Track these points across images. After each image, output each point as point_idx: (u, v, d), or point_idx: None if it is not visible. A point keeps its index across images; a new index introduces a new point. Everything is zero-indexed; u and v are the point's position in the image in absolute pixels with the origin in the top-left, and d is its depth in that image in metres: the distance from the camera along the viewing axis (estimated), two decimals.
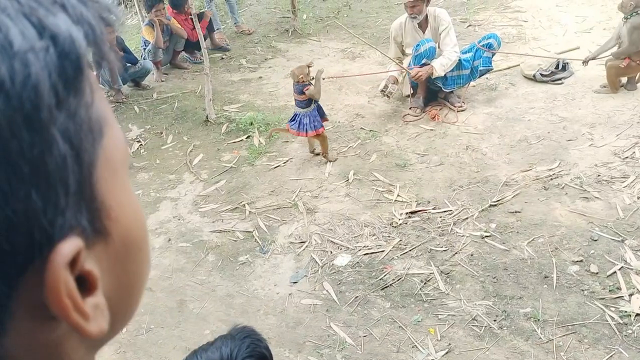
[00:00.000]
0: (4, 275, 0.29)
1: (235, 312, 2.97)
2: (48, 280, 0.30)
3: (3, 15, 0.29)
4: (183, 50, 6.21)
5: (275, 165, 4.13)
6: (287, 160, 4.18)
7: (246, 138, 4.57)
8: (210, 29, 6.25)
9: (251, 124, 4.67)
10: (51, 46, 0.30)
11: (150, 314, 3.00)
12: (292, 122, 3.95)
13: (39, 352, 0.33)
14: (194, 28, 5.25)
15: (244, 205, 3.76)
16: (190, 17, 5.44)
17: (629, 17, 4.08)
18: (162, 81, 5.82)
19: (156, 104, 5.40)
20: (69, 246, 0.31)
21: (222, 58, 6.19)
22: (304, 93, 3.84)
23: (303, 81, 3.82)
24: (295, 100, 3.94)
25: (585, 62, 4.44)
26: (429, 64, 4.34)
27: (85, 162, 0.32)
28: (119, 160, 0.36)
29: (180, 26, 5.88)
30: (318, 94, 3.90)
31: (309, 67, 3.89)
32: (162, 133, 4.84)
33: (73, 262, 0.31)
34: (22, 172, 0.28)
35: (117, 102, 5.38)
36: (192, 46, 6.16)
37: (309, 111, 3.88)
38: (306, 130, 3.88)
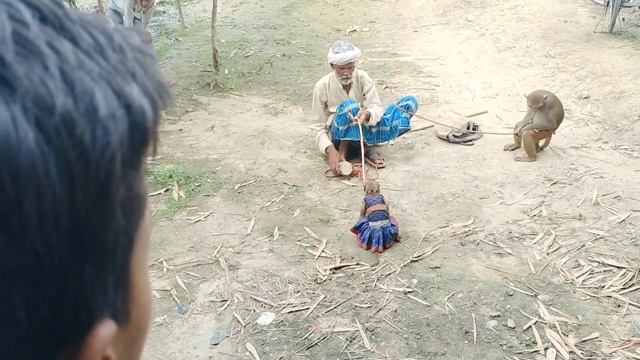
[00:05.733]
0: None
1: None
2: None
3: (88, 77, 0.27)
4: None
5: (196, 220, 4.01)
6: (208, 215, 4.07)
7: (165, 191, 4.41)
8: None
9: (170, 176, 4.53)
10: (125, 116, 0.28)
11: None
12: (375, 241, 3.54)
13: None
14: None
15: (161, 262, 3.58)
16: None
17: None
18: None
19: None
20: (106, 330, 0.29)
21: (173, 93, 6.03)
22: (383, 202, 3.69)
23: (378, 191, 3.76)
24: (374, 213, 3.58)
25: (518, 136, 4.72)
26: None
27: (130, 237, 0.31)
28: (148, 234, 0.35)
29: None
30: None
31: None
32: None
33: None
34: (82, 243, 0.26)
35: None
36: None
37: (390, 220, 3.63)
38: (391, 239, 3.61)
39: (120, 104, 0.28)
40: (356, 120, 4.43)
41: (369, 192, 3.74)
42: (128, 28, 0.36)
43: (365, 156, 4.73)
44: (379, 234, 3.54)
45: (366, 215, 3.64)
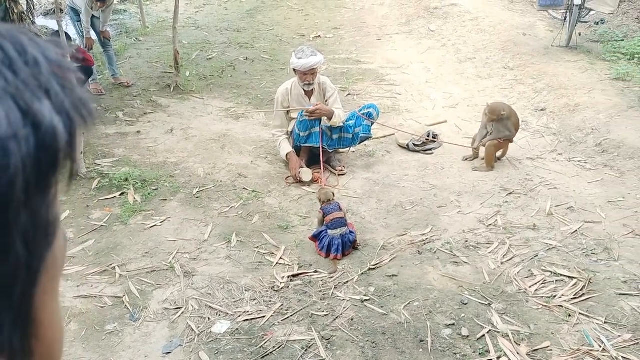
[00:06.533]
0: None
1: None
2: None
3: None
4: None
5: (152, 225, 3.91)
6: (164, 220, 3.98)
7: (120, 195, 4.30)
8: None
9: (126, 180, 4.42)
10: (32, 135, 0.26)
11: None
12: (334, 249, 3.53)
13: None
14: None
15: (114, 268, 3.48)
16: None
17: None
18: None
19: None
20: None
21: (97, 109, 5.88)
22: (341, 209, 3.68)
23: (333, 199, 3.77)
24: (333, 222, 3.57)
25: (475, 150, 4.82)
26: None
27: (33, 270, 0.28)
28: (59, 264, 0.32)
29: None
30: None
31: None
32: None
33: None
34: None
35: None
36: None
37: (349, 227, 3.63)
38: (350, 247, 3.61)
39: (26, 123, 0.26)
40: (309, 111, 4.42)
41: (325, 201, 3.73)
42: (53, 40, 0.33)
43: (326, 163, 4.73)
44: (338, 241, 3.52)
45: (325, 223, 3.63)
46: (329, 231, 3.56)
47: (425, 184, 4.52)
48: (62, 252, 0.33)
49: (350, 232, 3.60)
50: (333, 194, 3.84)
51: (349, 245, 3.58)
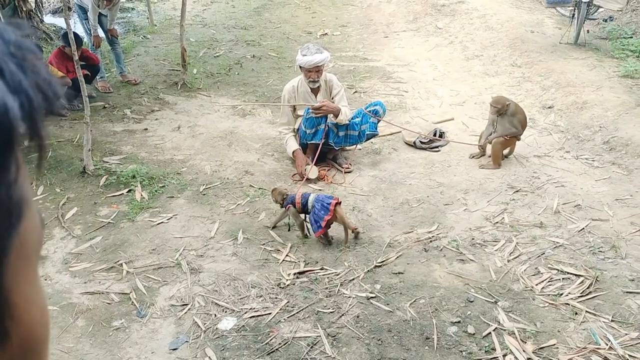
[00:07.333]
0: None
1: None
2: None
3: None
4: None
5: (158, 222, 3.93)
6: (171, 217, 4.00)
7: (127, 192, 4.32)
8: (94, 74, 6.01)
9: (133, 177, 4.44)
10: None
11: None
12: (328, 201, 3.60)
13: None
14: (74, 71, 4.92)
15: (121, 265, 3.50)
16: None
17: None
18: None
19: (26, 152, 4.97)
20: None
21: (105, 107, 5.91)
22: None
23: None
24: (302, 197, 3.71)
25: (482, 147, 4.82)
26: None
27: None
28: (32, 246, 0.32)
29: (60, 74, 5.54)
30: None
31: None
32: (31, 183, 4.44)
33: None
34: None
35: None
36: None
37: (317, 194, 3.73)
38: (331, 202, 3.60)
39: None
40: (315, 107, 4.42)
41: (284, 197, 3.79)
42: (13, 21, 0.33)
43: (332, 160, 4.74)
44: (321, 198, 3.62)
45: (298, 209, 3.72)
46: (309, 205, 3.65)
47: (432, 181, 4.51)
48: (36, 233, 0.32)
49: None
50: (285, 189, 3.92)
51: (328, 201, 3.61)
